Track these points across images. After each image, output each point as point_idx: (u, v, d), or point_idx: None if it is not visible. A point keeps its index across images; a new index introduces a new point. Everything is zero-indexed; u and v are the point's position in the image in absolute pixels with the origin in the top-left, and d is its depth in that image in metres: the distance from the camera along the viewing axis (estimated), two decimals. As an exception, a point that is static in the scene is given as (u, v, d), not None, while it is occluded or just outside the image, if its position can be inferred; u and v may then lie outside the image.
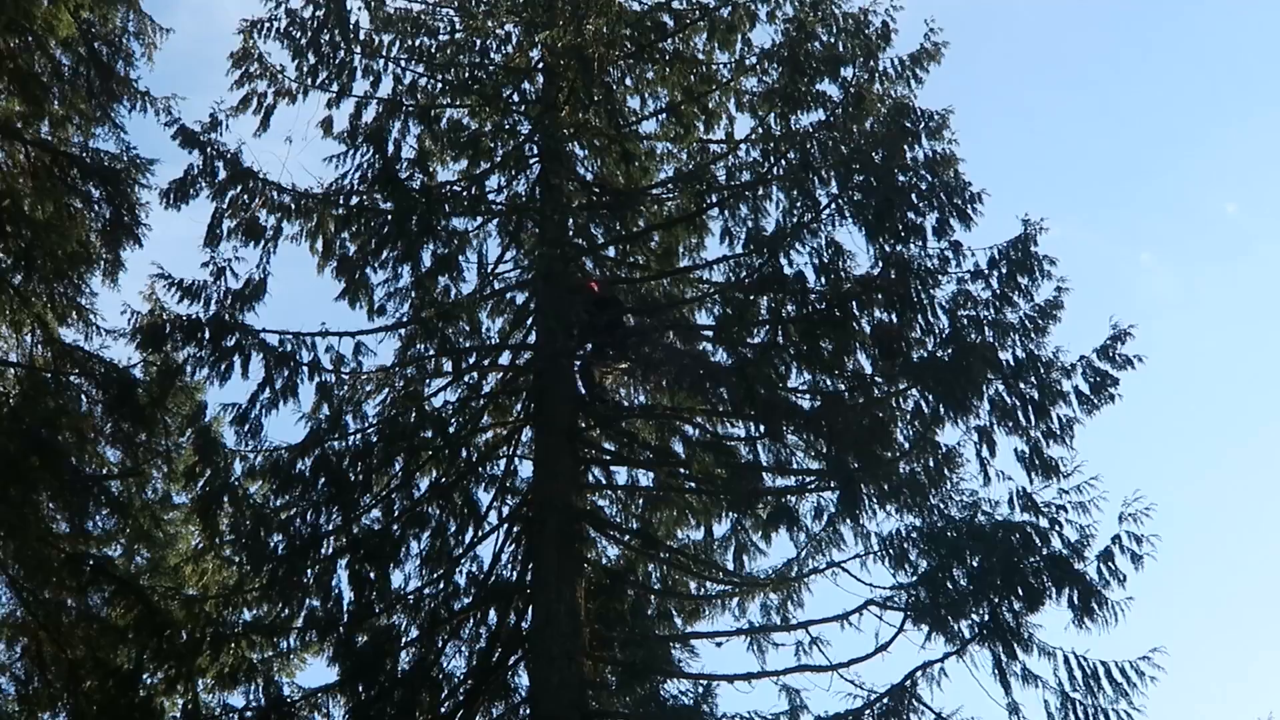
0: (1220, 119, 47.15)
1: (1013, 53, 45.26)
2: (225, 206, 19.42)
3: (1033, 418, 17.31)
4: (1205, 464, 41.11)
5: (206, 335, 18.53)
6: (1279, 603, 40.83)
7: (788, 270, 18.36)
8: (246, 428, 18.38)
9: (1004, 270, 17.77)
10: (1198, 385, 42.33)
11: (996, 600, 16.15)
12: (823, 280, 18.25)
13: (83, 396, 19.26)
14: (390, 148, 20.06)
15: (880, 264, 18.05)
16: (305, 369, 18.63)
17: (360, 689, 17.60)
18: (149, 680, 17.83)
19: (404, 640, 18.10)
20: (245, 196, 19.52)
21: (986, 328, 17.63)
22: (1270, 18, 46.24)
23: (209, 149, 19.55)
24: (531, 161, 20.43)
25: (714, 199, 19.76)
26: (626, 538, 19.23)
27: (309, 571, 18.09)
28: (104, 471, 19.42)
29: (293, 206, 19.65)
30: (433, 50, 20.85)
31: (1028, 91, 45.01)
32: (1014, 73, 43.68)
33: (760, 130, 20.03)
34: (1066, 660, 16.02)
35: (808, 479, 18.18)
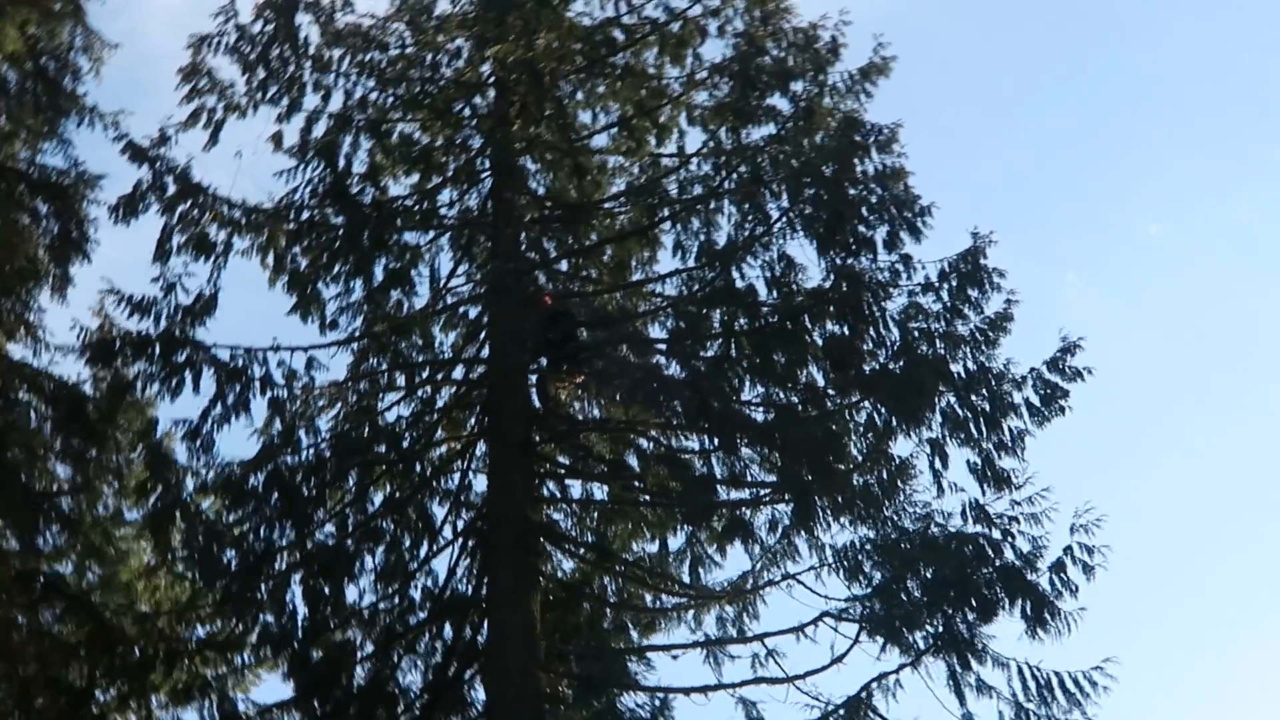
0: (1144, 141, 47.75)
1: (933, 73, 45.63)
2: (175, 222, 19.28)
3: (984, 429, 17.48)
4: (1136, 480, 41.59)
5: (157, 351, 18.43)
6: (1229, 612, 41.22)
7: (740, 283, 18.54)
8: (198, 443, 18.30)
9: (954, 283, 17.95)
10: (1125, 404, 42.89)
11: (950, 611, 16.33)
12: (774, 293, 18.42)
13: (32, 413, 19.02)
14: (341, 162, 20.04)
15: (831, 277, 18.21)
16: (257, 384, 18.56)
17: (315, 704, 17.58)
18: (101, 698, 17.64)
19: (359, 655, 18.05)
20: (195, 211, 19.37)
21: (938, 340, 17.80)
22: (1191, 40, 46.95)
23: (158, 164, 19.42)
24: (483, 176, 20.42)
25: (666, 213, 19.83)
26: (582, 551, 19.23)
27: (263, 587, 18.00)
28: (54, 488, 19.18)
29: (243, 221, 19.52)
30: (383, 65, 20.74)
31: (948, 111, 45.41)
32: (935, 92, 43.99)
33: (711, 144, 20.11)
34: (1020, 671, 16.23)
35: (762, 491, 18.27)
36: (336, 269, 19.53)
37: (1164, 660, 38.61)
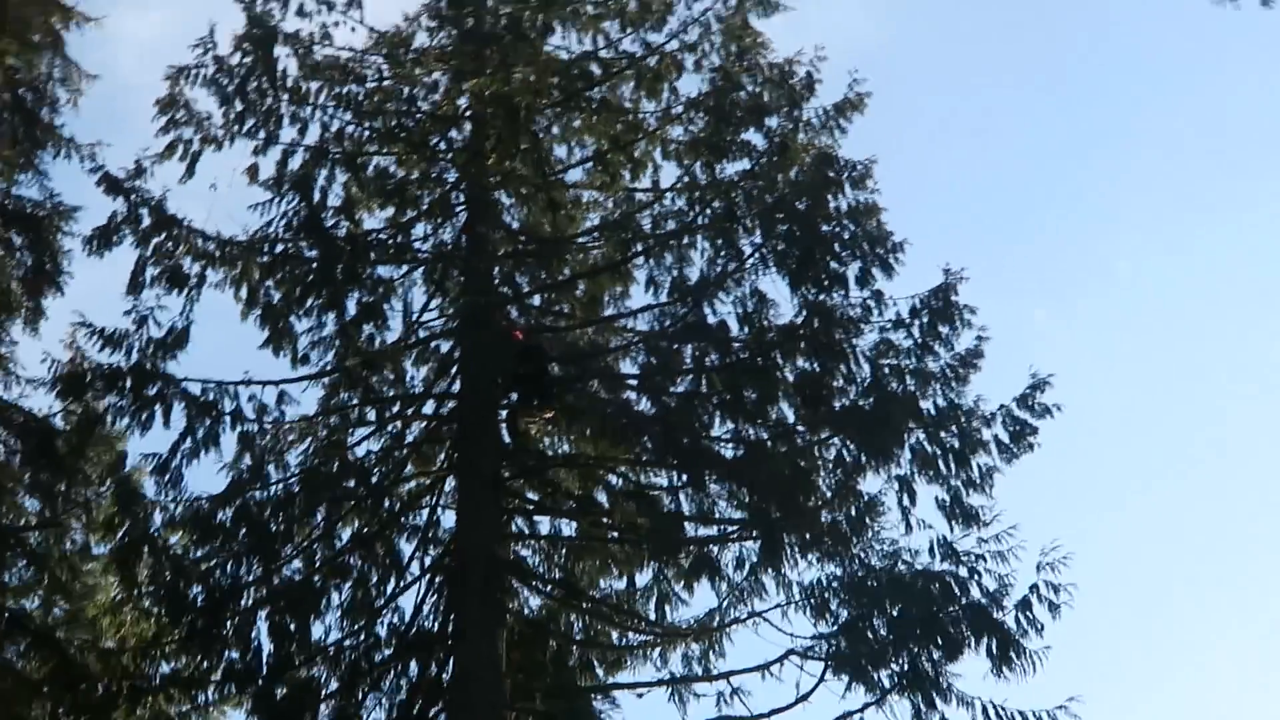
0: (1113, 177, 47.85)
1: (907, 109, 45.78)
2: (149, 254, 19.31)
3: (953, 466, 17.45)
4: (1102, 517, 41.53)
5: (128, 384, 18.40)
6: (1194, 652, 41.10)
7: (712, 319, 18.54)
8: (167, 478, 18.26)
9: (925, 319, 17.95)
10: (1093, 441, 42.94)
11: (916, 650, 16.27)
12: (746, 329, 18.44)
13: (1, 446, 19.03)
14: (316, 195, 20.02)
15: (803, 313, 18.20)
16: (227, 418, 18.53)
17: (280, 742, 17.46)
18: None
19: (324, 692, 17.90)
20: (169, 244, 19.40)
21: (908, 376, 17.80)
22: (1161, 79, 47.03)
23: (133, 196, 19.47)
24: (458, 209, 20.41)
25: (639, 247, 19.79)
26: (549, 588, 19.14)
27: (228, 623, 17.89)
28: (22, 522, 19.21)
29: (217, 254, 19.53)
30: (360, 98, 20.78)
31: (920, 147, 45.53)
32: (908, 128, 44.08)
33: (686, 179, 20.09)
34: (985, 709, 16.16)
35: (730, 528, 18.22)
36: (309, 302, 19.48)
37: (1128, 699, 38.49)
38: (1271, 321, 45.26)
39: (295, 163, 20.35)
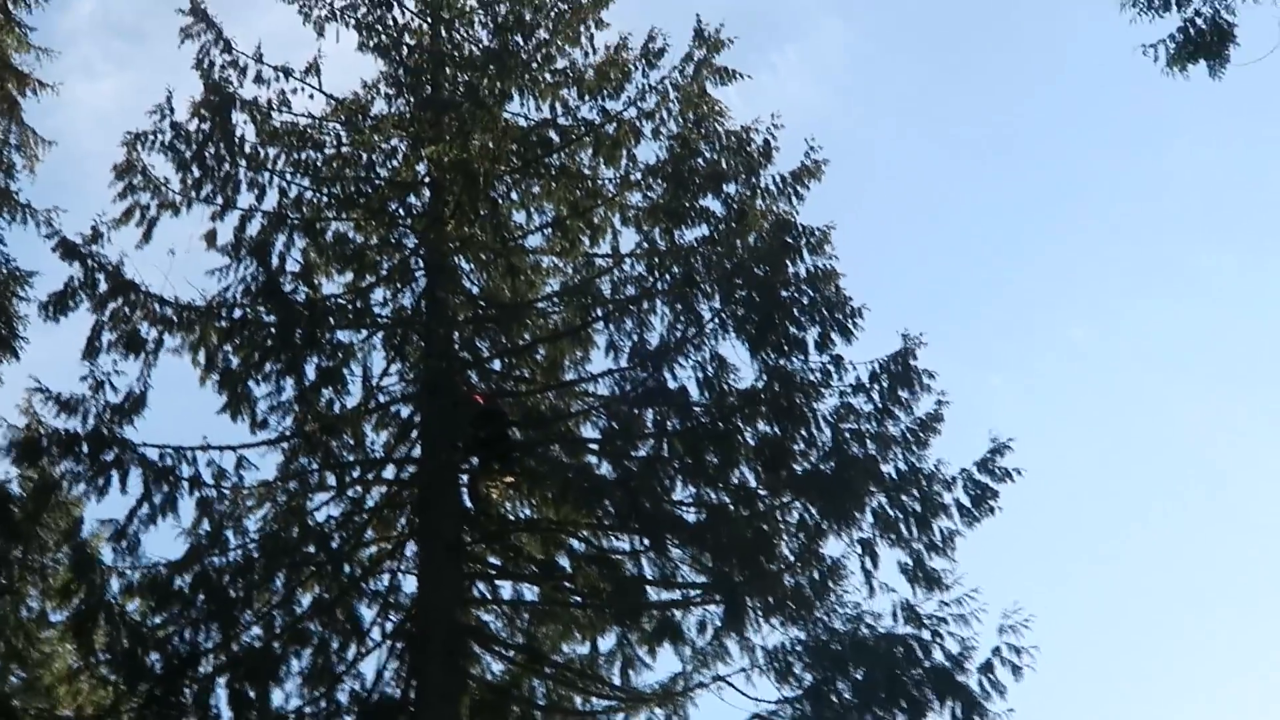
0: (1067, 244, 48.49)
1: (860, 177, 46.33)
2: (106, 319, 19.23)
3: (915, 530, 17.57)
4: (1062, 581, 41.88)
5: (84, 449, 18.26)
6: (1155, 713, 41.39)
7: (672, 384, 18.57)
8: (124, 544, 18.09)
9: (885, 384, 18.10)
10: (1051, 507, 43.34)
11: (881, 713, 16.36)
12: (706, 394, 18.49)
13: (-44, 513, 18.82)
14: (275, 260, 20.03)
15: (763, 377, 18.31)
16: (185, 484, 18.41)
17: (239, 811, 17.26)
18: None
19: (285, 761, 17.76)
20: (126, 309, 19.32)
21: (869, 440, 17.93)
22: (1114, 146, 47.76)
23: (90, 261, 19.39)
24: (417, 275, 20.45)
25: (599, 312, 19.85)
26: (511, 653, 19.07)
27: (187, 690, 17.72)
28: (-23, 590, 19.00)
29: (175, 319, 19.46)
30: (318, 164, 20.85)
31: (874, 215, 46.07)
32: (861, 196, 44.57)
33: (645, 244, 20.19)
34: (950, 772, 16.14)
35: (692, 592, 18.23)
36: (268, 367, 19.44)
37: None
38: (1226, 386, 45.89)
39: (253, 228, 20.39)
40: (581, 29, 21.32)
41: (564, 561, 19.24)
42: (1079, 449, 44.93)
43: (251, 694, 17.71)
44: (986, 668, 16.54)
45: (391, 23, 21.97)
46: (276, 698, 17.90)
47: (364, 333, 20.00)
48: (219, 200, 20.49)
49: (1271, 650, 41.63)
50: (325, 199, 20.80)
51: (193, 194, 20.48)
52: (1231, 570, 43.22)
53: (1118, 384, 46.24)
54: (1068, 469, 44.33)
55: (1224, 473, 44.80)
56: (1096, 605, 42.77)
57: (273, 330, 19.57)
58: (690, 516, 18.08)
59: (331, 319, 19.84)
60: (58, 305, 19.21)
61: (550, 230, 21.03)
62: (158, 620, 18.04)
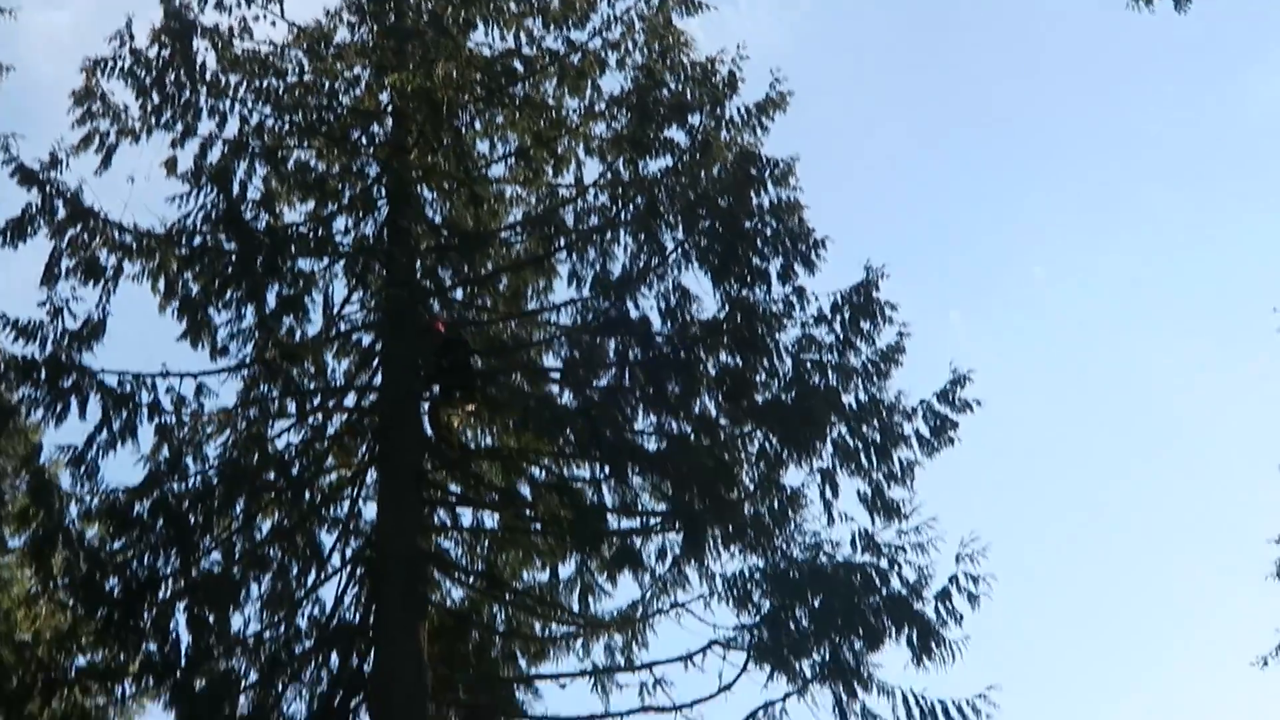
0: (1029, 183, 48.72)
1: (825, 111, 46.37)
2: (64, 245, 19.03)
3: (875, 460, 17.65)
4: (1017, 513, 42.34)
5: (43, 375, 18.11)
6: (1109, 642, 41.95)
7: (634, 314, 18.59)
8: (83, 469, 17.98)
9: (847, 315, 18.15)
10: (1007, 441, 43.76)
11: (837, 640, 16.43)
12: (669, 324, 18.48)
13: (-88, 437, 18.73)
14: (236, 188, 19.82)
15: (726, 308, 18.30)
16: (144, 410, 18.27)
17: (198, 734, 17.26)
18: (-23, 729, 17.27)
19: (244, 684, 17.70)
20: (85, 236, 19.14)
21: (830, 371, 17.99)
22: (1075, 86, 47.92)
23: (48, 187, 19.15)
24: (379, 204, 20.29)
25: (562, 243, 19.85)
26: (471, 579, 19.12)
27: (146, 615, 17.62)
28: (-66, 516, 18.89)
29: (134, 246, 19.30)
30: (280, 92, 20.62)
31: (838, 148, 46.11)
32: (825, 128, 44.62)
33: (609, 175, 20.16)
34: (905, 699, 16.33)
35: (652, 520, 18.30)
36: (228, 295, 19.31)
37: (1046, 689, 39.21)
38: (1180, 326, 46.27)
39: (214, 155, 20.15)
40: (546, -42, 21.17)
41: (525, 489, 19.28)
42: (1036, 385, 45.42)
43: (211, 619, 17.69)
44: (943, 595, 16.63)
45: (355, -51, 21.74)
46: (236, 622, 17.93)
47: (325, 261, 19.91)
48: (179, 127, 20.26)
49: (1223, 580, 42.24)
50: (287, 127, 20.60)
51: (152, 121, 20.22)
52: (1185, 501, 43.89)
53: (1076, 321, 46.60)
54: (1025, 405, 44.80)
55: (1177, 409, 45.36)
56: (1052, 537, 43.36)
57: (233, 258, 19.42)
58: (651, 445, 18.13)
59: (293, 247, 19.70)
60: (15, 231, 19.00)
61: (514, 160, 20.96)
62: (117, 546, 17.93)
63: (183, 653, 17.54)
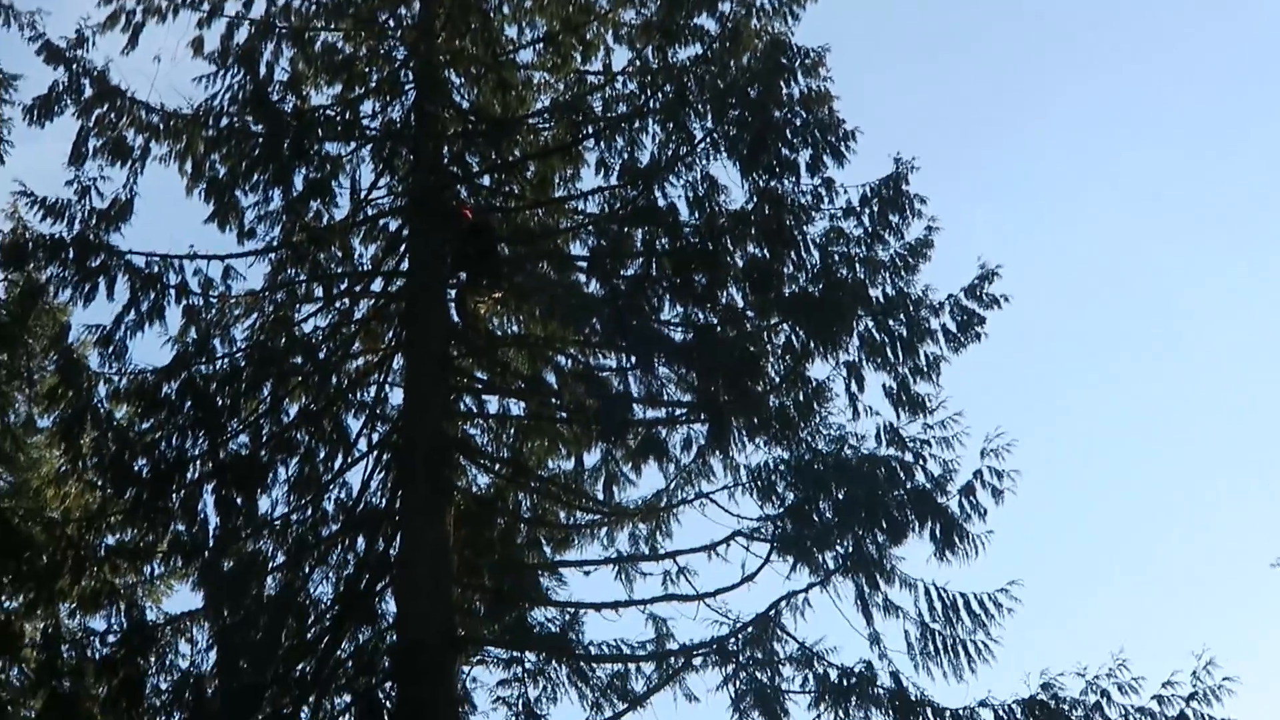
0: (1060, 82, 48.21)
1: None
2: (91, 125, 19.02)
3: (901, 354, 17.62)
4: (1041, 412, 42.43)
5: (71, 255, 18.14)
6: (1128, 540, 42.20)
7: (662, 203, 18.50)
8: (111, 350, 18.04)
9: (876, 208, 18.03)
10: (1031, 340, 43.77)
11: (860, 533, 16.44)
12: (696, 214, 18.39)
13: (-60, 315, 18.78)
14: (262, 70, 19.74)
15: (754, 199, 18.18)
16: (172, 291, 18.34)
17: (225, 614, 17.45)
18: (9, 604, 17.48)
19: (270, 566, 17.90)
20: (112, 115, 19.12)
21: (858, 264, 17.89)
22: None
23: (75, 66, 19.10)
24: (407, 88, 20.14)
25: (590, 130, 19.67)
26: (497, 466, 19.19)
27: (174, 496, 17.80)
28: (-36, 394, 19.00)
29: (161, 127, 19.28)
30: (308, -28, 20.45)
31: (868, 42, 45.59)
32: (858, 23, 44.10)
33: (637, 63, 19.95)
34: (927, 592, 16.39)
35: (678, 411, 18.29)
36: (255, 177, 19.24)
37: (1069, 585, 39.51)
38: (1208, 225, 46.09)
39: (240, 36, 20.07)
40: None
41: (551, 377, 19.36)
42: (1060, 284, 45.22)
43: (238, 500, 17.86)
44: (967, 490, 16.65)
45: None
46: (263, 504, 18.08)
47: (352, 145, 19.80)
48: (205, 6, 20.20)
49: (1245, 479, 42.39)
50: (314, 8, 20.46)
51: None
52: (1206, 401, 43.91)
53: (1103, 222, 46.37)
54: (1048, 303, 44.66)
55: (1198, 311, 45.24)
56: (1076, 432, 43.46)
57: (260, 140, 19.36)
58: (677, 336, 18.10)
59: (320, 130, 19.62)
60: (42, 110, 18.97)
61: (542, 46, 20.73)
62: (145, 426, 18.07)
63: (210, 534, 17.72)
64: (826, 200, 18.12)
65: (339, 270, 19.38)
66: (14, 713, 19.24)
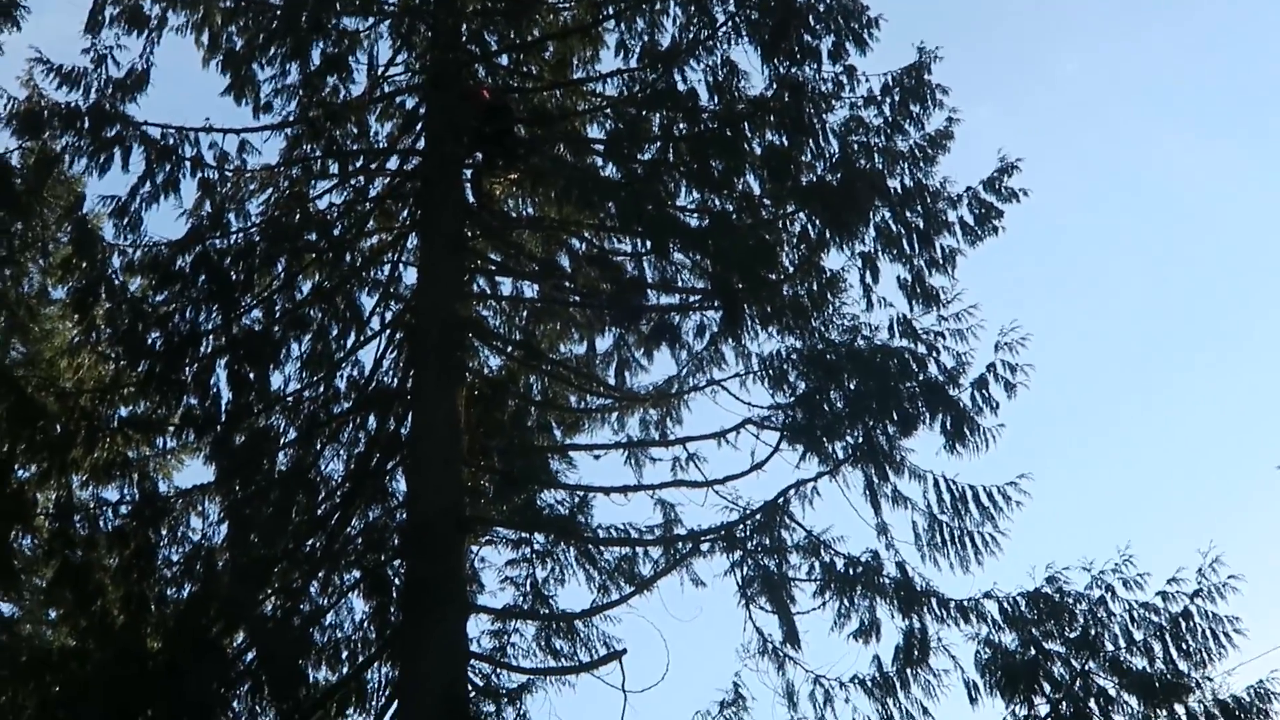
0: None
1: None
2: (107, -8, 18.81)
3: (917, 246, 17.53)
4: (1052, 307, 42.38)
5: (86, 124, 18.02)
6: (1138, 438, 42.31)
7: (681, 87, 18.24)
8: (126, 221, 18.00)
9: (896, 97, 17.84)
10: (1037, 237, 43.58)
11: (871, 423, 16.40)
12: (716, 99, 18.14)
13: (-44, 181, 18.66)
14: (280, -60, 19.48)
15: (774, 85, 17.97)
16: (187, 164, 18.22)
17: (236, 489, 17.59)
18: (21, 474, 17.57)
19: (282, 442, 18.03)
20: (128, -18, 18.91)
21: (876, 154, 17.74)
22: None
23: (91, -69, 18.85)
24: (426, -38, 19.91)
25: (610, 11, 19.43)
26: (509, 349, 19.19)
27: (187, 369, 17.86)
28: (-21, 263, 18.98)
29: (177, -5, 19.09)
30: None
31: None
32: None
33: (659, -57, 19.63)
34: (936, 483, 16.36)
35: (692, 297, 18.25)
36: (272, 51, 19.08)
37: (1078, 479, 39.69)
38: (1214, 120, 45.68)
39: (259, -94, 19.80)
40: None
41: (564, 260, 19.29)
42: (1066, 181, 44.97)
43: (251, 375, 17.93)
44: (980, 383, 16.60)
45: None
46: (275, 380, 18.18)
47: (370, 20, 19.56)
48: (222, -126, 19.87)
49: (1256, 379, 42.38)
50: (333, -121, 20.14)
51: None
52: (1217, 300, 43.82)
53: (1108, 118, 46.00)
54: (1053, 200, 44.46)
55: (1203, 206, 45.03)
56: (1089, 329, 43.42)
57: (278, 12, 19.17)
58: (693, 222, 17.96)
59: (338, 4, 19.36)
60: (59, -25, 18.82)
61: (563, -76, 20.46)
62: (159, 299, 18.10)
63: (223, 408, 17.81)
64: (847, 88, 17.93)
65: (355, 147, 19.26)
66: (26, 581, 19.40)
